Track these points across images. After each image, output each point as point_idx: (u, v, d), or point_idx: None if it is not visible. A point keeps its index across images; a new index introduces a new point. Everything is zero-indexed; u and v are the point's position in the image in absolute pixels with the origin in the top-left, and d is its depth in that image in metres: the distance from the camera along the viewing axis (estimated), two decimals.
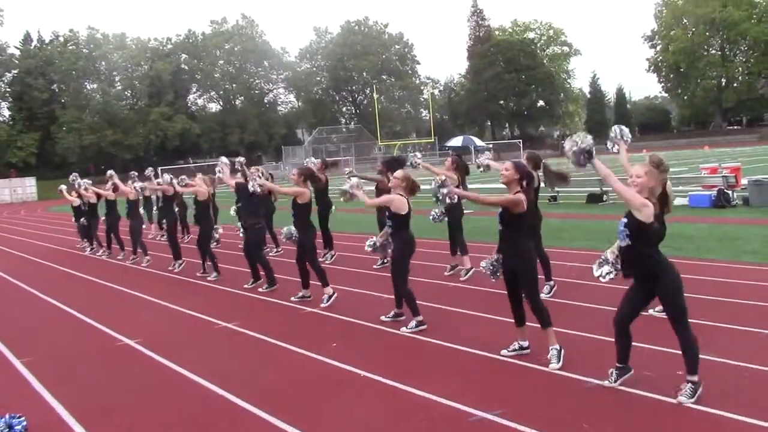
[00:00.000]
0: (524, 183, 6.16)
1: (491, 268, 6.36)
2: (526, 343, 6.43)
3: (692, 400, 4.99)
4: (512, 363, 6.24)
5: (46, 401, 6.09)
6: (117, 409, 5.82)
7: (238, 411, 5.55)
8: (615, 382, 5.41)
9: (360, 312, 8.57)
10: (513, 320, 6.43)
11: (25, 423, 5.22)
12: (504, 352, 6.46)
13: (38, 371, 7.01)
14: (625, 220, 5.12)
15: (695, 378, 5.07)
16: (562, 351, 6.08)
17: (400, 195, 7.66)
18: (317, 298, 9.31)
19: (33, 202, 58.50)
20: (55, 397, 6.16)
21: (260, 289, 10.41)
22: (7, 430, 5.10)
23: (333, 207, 12.88)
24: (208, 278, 11.84)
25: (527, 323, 6.40)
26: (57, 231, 25.92)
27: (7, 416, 5.21)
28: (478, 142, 24.07)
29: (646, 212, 5.01)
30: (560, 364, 5.99)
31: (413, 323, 7.61)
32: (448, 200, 6.52)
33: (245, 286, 10.75)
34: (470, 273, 10.05)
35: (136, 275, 13.19)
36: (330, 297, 9.15)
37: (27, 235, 25.20)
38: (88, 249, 17.37)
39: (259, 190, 9.67)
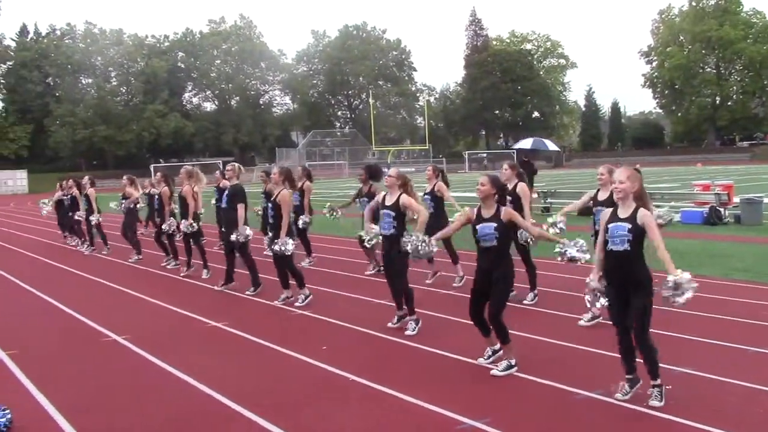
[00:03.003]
0: (498, 197, 6.23)
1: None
2: (497, 347, 6.38)
3: (662, 402, 5.14)
4: None
5: (31, 394, 6.03)
6: (101, 403, 5.77)
7: (223, 410, 5.51)
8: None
9: (350, 315, 8.53)
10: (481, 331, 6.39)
11: (9, 415, 5.18)
12: (480, 360, 6.47)
13: (23, 364, 6.94)
14: (629, 225, 5.14)
15: (659, 381, 5.22)
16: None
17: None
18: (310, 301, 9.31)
19: (24, 195, 58.17)
20: (40, 390, 6.10)
21: (247, 292, 10.30)
22: None
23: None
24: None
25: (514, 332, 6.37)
26: (46, 224, 25.75)
27: None
28: (551, 146, 22.56)
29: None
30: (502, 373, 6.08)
31: (412, 324, 7.64)
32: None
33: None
34: (463, 281, 10.04)
35: (125, 271, 13.12)
36: (306, 297, 9.31)
37: (16, 228, 25.06)
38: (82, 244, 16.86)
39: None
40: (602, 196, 7.88)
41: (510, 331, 6.17)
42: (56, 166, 77.98)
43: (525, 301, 8.87)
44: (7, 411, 5.21)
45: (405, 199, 7.53)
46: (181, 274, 12.09)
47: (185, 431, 5.16)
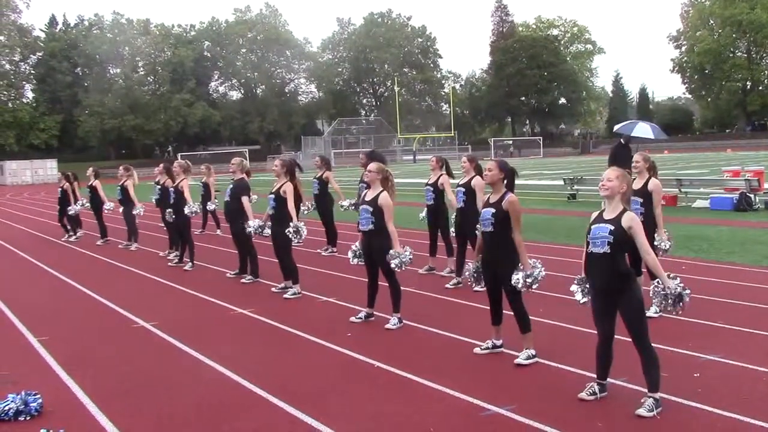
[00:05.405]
0: (507, 182, 6.06)
1: (474, 276, 6.35)
2: (499, 342, 6.39)
3: (652, 413, 4.79)
4: None
5: (61, 379, 6.14)
6: (130, 388, 5.85)
7: (250, 396, 5.56)
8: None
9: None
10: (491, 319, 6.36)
11: (40, 400, 5.27)
12: (477, 350, 6.46)
13: (54, 350, 7.06)
14: (612, 227, 4.86)
15: (657, 395, 4.90)
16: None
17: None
18: (333, 287, 9.30)
19: (54, 184, 58.85)
20: (70, 375, 6.21)
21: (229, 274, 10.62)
22: (23, 406, 5.14)
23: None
24: (185, 268, 11.80)
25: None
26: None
27: (23, 393, 5.26)
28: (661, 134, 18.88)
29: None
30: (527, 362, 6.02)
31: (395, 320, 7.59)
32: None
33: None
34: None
35: (152, 259, 13.24)
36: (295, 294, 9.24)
37: (47, 216, 25.38)
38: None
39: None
40: (637, 184, 7.32)
41: (535, 318, 6.14)
42: (86, 155, 78.90)
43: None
44: (38, 396, 5.30)
45: (383, 199, 7.26)
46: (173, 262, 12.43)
47: (212, 416, 5.21)
